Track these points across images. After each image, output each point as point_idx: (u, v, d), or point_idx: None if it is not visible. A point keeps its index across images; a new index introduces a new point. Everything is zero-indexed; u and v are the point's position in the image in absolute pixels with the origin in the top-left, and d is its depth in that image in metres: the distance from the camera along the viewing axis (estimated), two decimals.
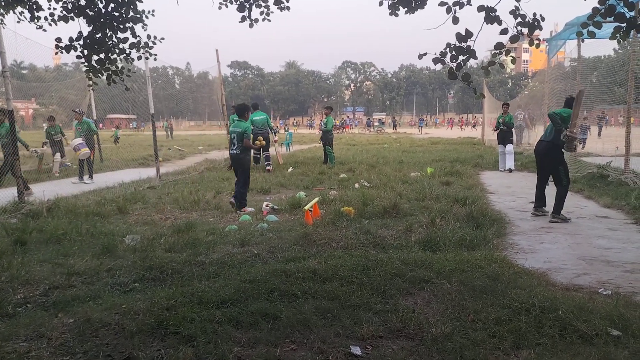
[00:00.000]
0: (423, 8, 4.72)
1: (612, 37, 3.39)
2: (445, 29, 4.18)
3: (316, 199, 8.11)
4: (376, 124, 63.80)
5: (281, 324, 3.67)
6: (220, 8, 5.07)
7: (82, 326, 3.74)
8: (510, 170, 14.45)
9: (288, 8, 4.97)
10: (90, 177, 13.61)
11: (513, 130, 16.10)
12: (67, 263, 5.42)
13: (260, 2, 4.93)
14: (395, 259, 5.15)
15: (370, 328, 3.59)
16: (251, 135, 10.24)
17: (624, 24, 3.24)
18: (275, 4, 4.90)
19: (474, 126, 59.50)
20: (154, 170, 13.19)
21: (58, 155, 15.56)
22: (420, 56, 3.79)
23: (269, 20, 5.12)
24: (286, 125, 64.96)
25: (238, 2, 4.80)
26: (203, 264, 5.33)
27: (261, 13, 5.02)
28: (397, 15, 4.87)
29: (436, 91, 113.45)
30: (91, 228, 6.99)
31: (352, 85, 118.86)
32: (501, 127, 15.14)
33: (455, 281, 4.51)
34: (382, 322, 3.72)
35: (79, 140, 13.46)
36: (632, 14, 3.22)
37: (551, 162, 7.82)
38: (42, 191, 9.52)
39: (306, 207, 7.42)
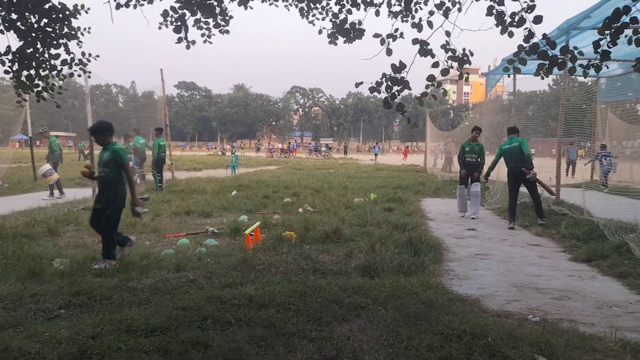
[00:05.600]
0: (361, 38, 4.85)
1: (536, 74, 3.59)
2: (386, 59, 4.29)
3: (257, 223, 8.02)
4: (323, 149, 64.21)
5: (212, 353, 3.56)
6: (160, 28, 5.01)
7: None
8: (474, 218, 11.09)
9: (227, 32, 5.00)
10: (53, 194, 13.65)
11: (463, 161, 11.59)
12: None
13: (202, 25, 4.93)
14: (334, 285, 5.14)
15: (304, 356, 3.55)
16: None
17: (547, 62, 3.45)
18: (215, 27, 4.90)
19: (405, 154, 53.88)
20: (90, 191, 12.72)
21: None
22: (357, 84, 3.87)
23: (210, 43, 5.12)
24: (233, 148, 64.22)
25: (174, 25, 4.76)
26: (135, 289, 5.12)
27: (202, 35, 5.01)
28: (336, 44, 4.99)
29: (382, 119, 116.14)
30: (18, 250, 6.62)
31: (300, 110, 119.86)
32: (466, 159, 11.42)
33: (391, 307, 4.53)
34: (317, 350, 3.68)
35: (48, 167, 13.33)
36: (554, 52, 3.43)
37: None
38: None
39: (247, 232, 7.33)
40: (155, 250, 7.10)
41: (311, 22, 5.33)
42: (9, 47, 4.24)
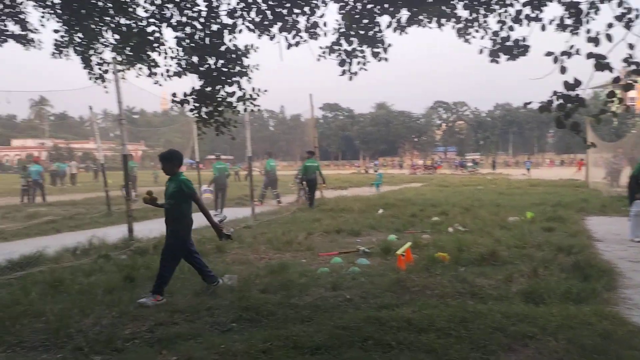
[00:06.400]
0: (525, 55, 4.63)
1: None
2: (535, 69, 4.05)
3: (409, 244, 7.98)
4: (469, 164, 61.91)
5: None
6: (319, 60, 5.30)
7: None
8: None
9: (386, 59, 5.10)
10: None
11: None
12: (170, 300, 5.71)
13: (357, 53, 5.11)
14: (496, 311, 4.91)
15: None
16: None
17: None
18: (373, 55, 5.03)
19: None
20: (250, 210, 13.66)
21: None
22: (526, 105, 3.71)
23: (365, 70, 5.27)
24: (375, 165, 64.64)
25: (339, 59, 4.99)
26: (296, 306, 5.39)
27: (358, 63, 5.18)
28: (497, 62, 4.82)
29: (534, 130, 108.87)
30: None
31: (443, 124, 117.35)
32: None
33: (562, 338, 4.21)
34: None
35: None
36: None
37: None
38: (149, 229, 10.16)
39: (399, 252, 7.32)
40: (311, 268, 7.40)
41: (467, 41, 5.24)
42: (193, 87, 4.82)
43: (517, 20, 4.69)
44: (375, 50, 5.00)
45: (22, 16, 6.43)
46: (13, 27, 6.43)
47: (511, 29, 4.80)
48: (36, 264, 7.55)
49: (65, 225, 13.11)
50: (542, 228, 10.55)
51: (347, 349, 4.05)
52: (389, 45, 4.99)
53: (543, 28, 4.47)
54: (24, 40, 6.49)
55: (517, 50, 4.65)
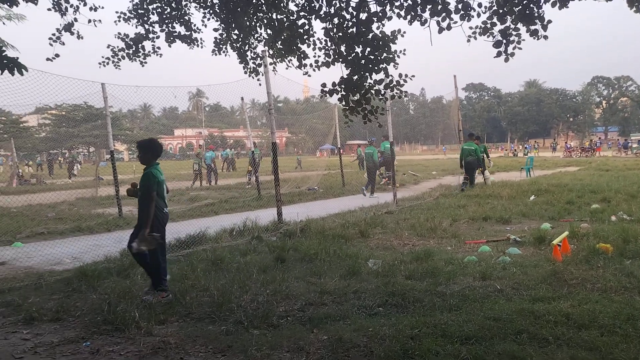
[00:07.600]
0: None
1: None
2: None
3: (565, 233, 7.41)
4: (635, 145, 55.40)
5: None
6: (468, 41, 5.10)
7: (335, 344, 4.07)
8: None
9: (546, 37, 4.71)
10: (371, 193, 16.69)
11: None
12: (319, 282, 5.98)
13: (512, 32, 4.79)
14: None
15: None
16: None
17: None
18: (532, 34, 4.67)
19: None
20: (391, 195, 13.70)
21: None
22: None
23: (520, 49, 4.94)
24: (526, 149, 60.54)
25: (491, 39, 4.75)
26: (443, 294, 5.32)
27: (512, 41, 4.88)
28: None
29: None
30: (338, 250, 7.53)
31: (603, 102, 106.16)
32: None
33: None
34: None
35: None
36: None
37: None
38: (296, 212, 10.69)
39: (554, 242, 6.85)
40: (457, 256, 7.22)
41: (638, 11, 4.64)
42: (342, 77, 4.95)
43: None
44: (533, 27, 4.63)
45: (186, 17, 7.11)
46: (179, 29, 7.14)
47: None
48: (199, 243, 8.34)
49: (222, 208, 14.31)
50: None
51: (500, 341, 3.91)
52: (549, 21, 4.58)
53: None
54: (188, 39, 7.18)
55: None
